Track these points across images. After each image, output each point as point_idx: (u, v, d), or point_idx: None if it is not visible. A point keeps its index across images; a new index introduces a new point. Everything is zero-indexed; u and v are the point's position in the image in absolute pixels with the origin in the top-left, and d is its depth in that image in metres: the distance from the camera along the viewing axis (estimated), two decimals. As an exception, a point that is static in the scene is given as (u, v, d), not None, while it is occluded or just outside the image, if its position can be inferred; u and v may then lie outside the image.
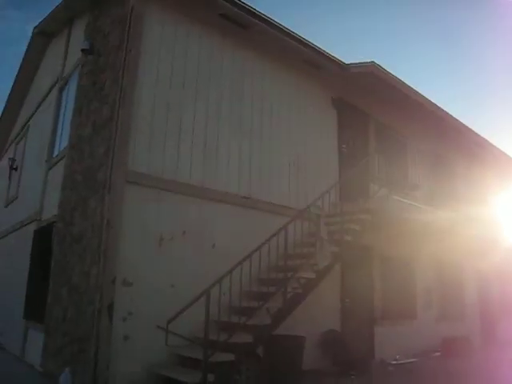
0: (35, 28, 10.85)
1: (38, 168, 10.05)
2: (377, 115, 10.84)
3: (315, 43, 8.71)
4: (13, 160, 12.60)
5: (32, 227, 9.45)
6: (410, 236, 9.47)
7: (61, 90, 9.78)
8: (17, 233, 10.84)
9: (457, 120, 11.62)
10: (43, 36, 11.12)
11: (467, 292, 13.24)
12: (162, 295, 6.31)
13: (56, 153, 9.27)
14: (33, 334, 8.48)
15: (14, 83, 12.74)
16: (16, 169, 12.28)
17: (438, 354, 11.00)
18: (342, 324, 8.97)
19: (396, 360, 9.60)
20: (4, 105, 13.64)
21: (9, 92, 13.12)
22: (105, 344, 5.72)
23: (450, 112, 11.32)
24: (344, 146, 9.86)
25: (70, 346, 6.57)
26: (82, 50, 7.77)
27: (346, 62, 9.34)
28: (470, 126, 12.10)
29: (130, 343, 5.95)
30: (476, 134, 12.46)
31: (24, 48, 11.63)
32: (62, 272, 7.53)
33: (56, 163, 9.02)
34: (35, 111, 11.65)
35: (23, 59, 11.95)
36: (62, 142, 9.00)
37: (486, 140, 12.93)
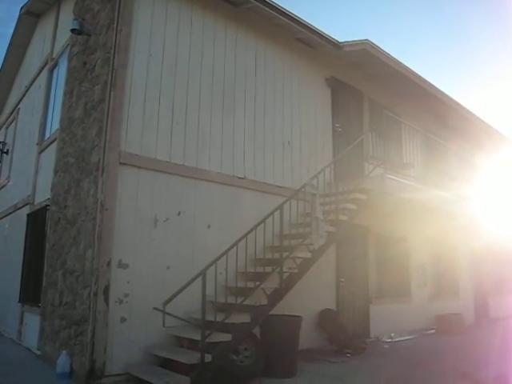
0: (22, 8, 10.64)
1: (30, 151, 9.94)
2: (371, 94, 10.77)
3: (308, 22, 8.60)
4: (3, 143, 12.48)
5: (25, 211, 9.38)
6: (404, 215, 9.49)
7: (51, 71, 9.62)
8: (10, 217, 10.78)
9: (449, 97, 11.57)
10: (31, 16, 10.93)
11: (461, 270, 13.38)
12: (158, 276, 6.31)
13: (47, 135, 9.17)
14: (29, 317, 8.48)
15: (3, 65, 12.55)
16: (7, 152, 12.17)
17: (432, 331, 11.16)
18: (338, 303, 9.05)
19: (391, 338, 9.73)
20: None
21: (-3, 74, 12.93)
22: (101, 326, 5.72)
23: (446, 91, 11.33)
24: (338, 125, 9.80)
25: (66, 329, 6.57)
26: (72, 30, 7.50)
27: (340, 41, 9.25)
28: (462, 104, 12.09)
29: (127, 325, 5.95)
30: (468, 111, 12.42)
31: (11, 30, 11.45)
32: (56, 255, 7.50)
33: (48, 146, 8.92)
34: (25, 93, 11.48)
35: (11, 40, 11.75)
36: (54, 124, 8.88)
37: (479, 118, 12.91)
